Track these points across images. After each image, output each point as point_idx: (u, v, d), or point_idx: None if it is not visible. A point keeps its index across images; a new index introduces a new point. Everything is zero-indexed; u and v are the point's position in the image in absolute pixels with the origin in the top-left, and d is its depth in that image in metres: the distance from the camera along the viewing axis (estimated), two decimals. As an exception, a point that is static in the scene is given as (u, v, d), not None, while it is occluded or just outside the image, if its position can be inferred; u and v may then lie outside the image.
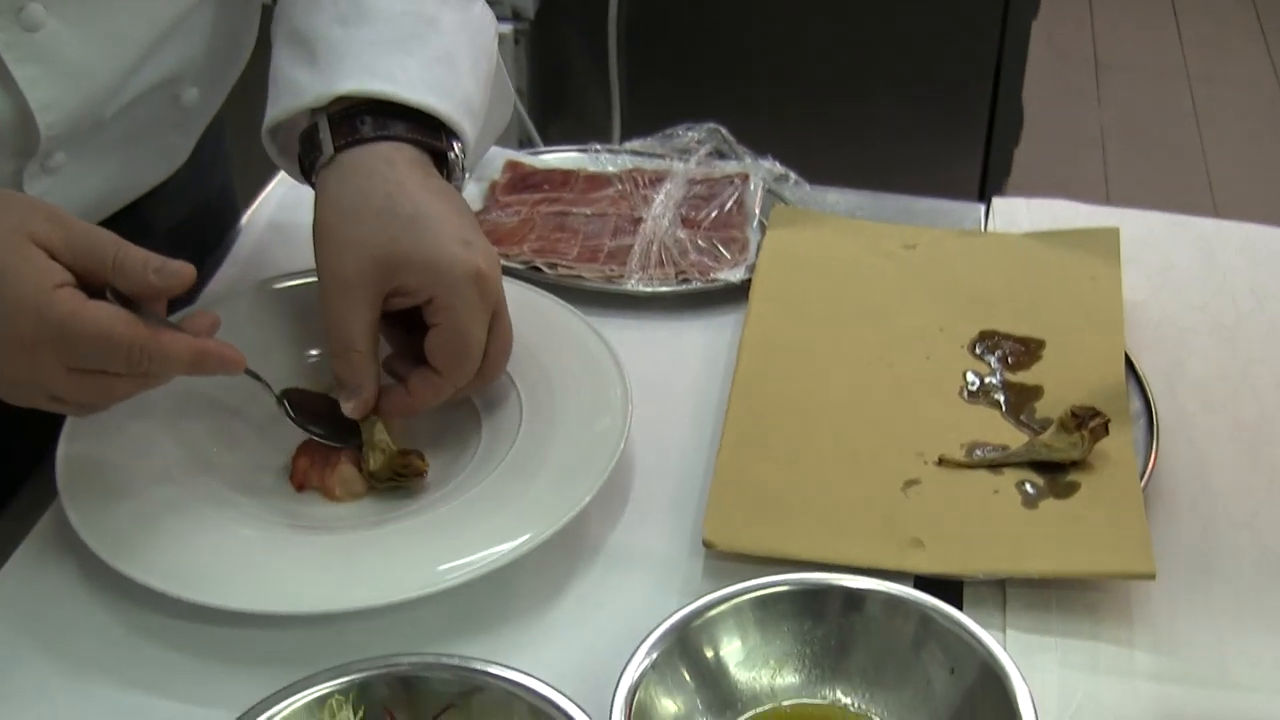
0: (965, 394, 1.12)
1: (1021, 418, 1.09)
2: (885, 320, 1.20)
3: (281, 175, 1.38)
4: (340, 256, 0.98)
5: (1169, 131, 3.89)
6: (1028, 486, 1.03)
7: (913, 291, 1.23)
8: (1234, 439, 1.11)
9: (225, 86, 1.25)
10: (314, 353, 1.11)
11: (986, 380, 1.13)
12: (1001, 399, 1.11)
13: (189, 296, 1.20)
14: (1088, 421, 1.02)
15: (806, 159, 1.42)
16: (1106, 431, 1.02)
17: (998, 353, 1.16)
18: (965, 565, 0.97)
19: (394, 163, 0.99)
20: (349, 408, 1.00)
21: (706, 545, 0.99)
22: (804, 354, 1.16)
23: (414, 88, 1.01)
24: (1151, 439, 1.07)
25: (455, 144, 1.04)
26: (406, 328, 1.02)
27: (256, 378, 0.99)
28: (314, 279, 1.02)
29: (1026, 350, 1.16)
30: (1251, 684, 0.92)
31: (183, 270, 0.88)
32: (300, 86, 1.02)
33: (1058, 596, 0.96)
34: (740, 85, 2.55)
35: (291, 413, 1.02)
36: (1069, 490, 1.02)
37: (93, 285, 0.86)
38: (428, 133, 1.02)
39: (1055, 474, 1.03)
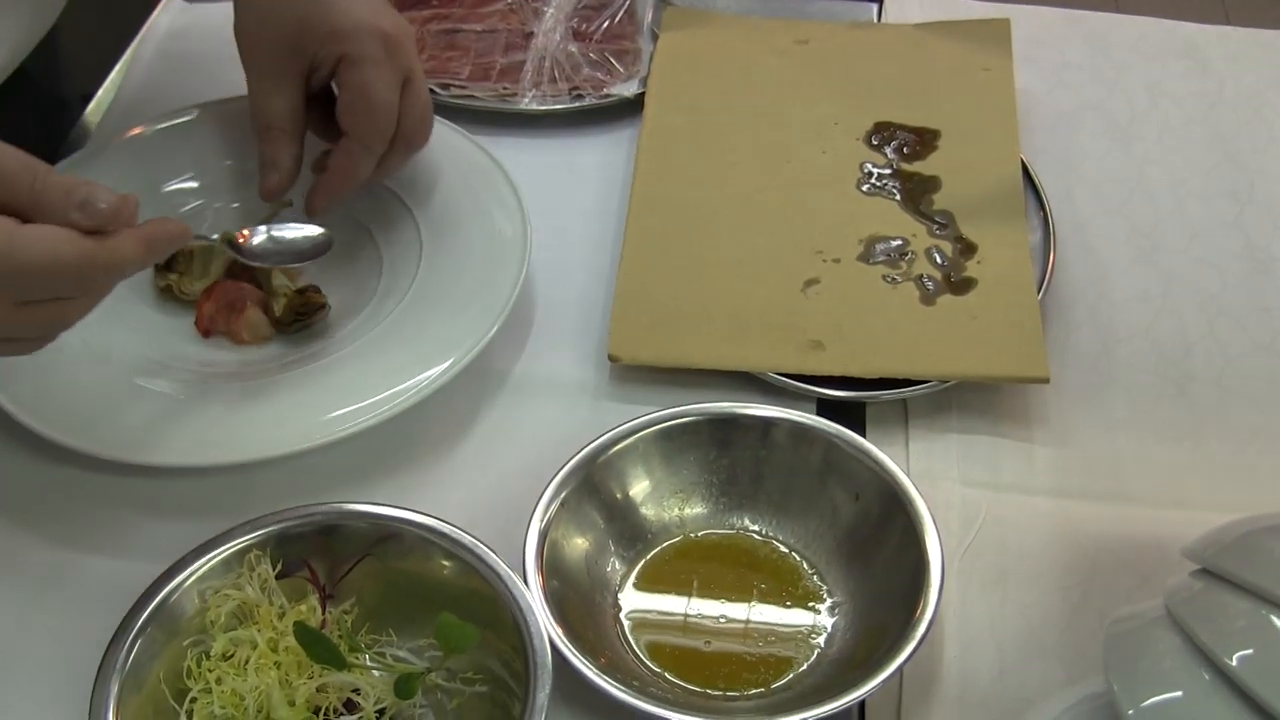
0: (863, 187, 1.12)
1: (920, 208, 1.10)
2: (781, 117, 1.20)
3: (166, 3, 1.34)
4: (258, 44, 0.98)
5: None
6: (926, 282, 1.04)
7: (807, 86, 1.23)
8: (1130, 244, 1.12)
9: None
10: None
11: (883, 171, 1.13)
12: (898, 190, 1.12)
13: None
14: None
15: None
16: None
17: (893, 143, 1.16)
18: (864, 366, 0.98)
19: None
20: (267, 184, 1.00)
21: (612, 359, 1.00)
22: (702, 157, 1.16)
23: None
24: (1048, 245, 1.08)
25: None
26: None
27: (203, 238, 0.96)
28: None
29: (922, 141, 1.16)
30: (1147, 497, 0.94)
31: (118, 204, 0.77)
32: None
33: (959, 414, 0.98)
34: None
35: (240, 256, 0.98)
36: (966, 286, 1.03)
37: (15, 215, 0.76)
38: None
39: (952, 270, 1.05)
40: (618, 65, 1.25)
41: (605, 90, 1.23)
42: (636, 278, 1.05)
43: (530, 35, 1.27)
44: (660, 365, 1.00)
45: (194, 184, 1.09)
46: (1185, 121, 1.23)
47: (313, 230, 0.98)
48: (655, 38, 1.28)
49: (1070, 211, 1.13)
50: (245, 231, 0.97)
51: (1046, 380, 0.97)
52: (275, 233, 0.98)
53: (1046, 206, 1.11)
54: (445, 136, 1.10)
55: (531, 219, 1.04)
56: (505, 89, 1.22)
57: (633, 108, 1.22)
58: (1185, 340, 1.04)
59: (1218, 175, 1.18)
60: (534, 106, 1.22)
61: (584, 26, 1.29)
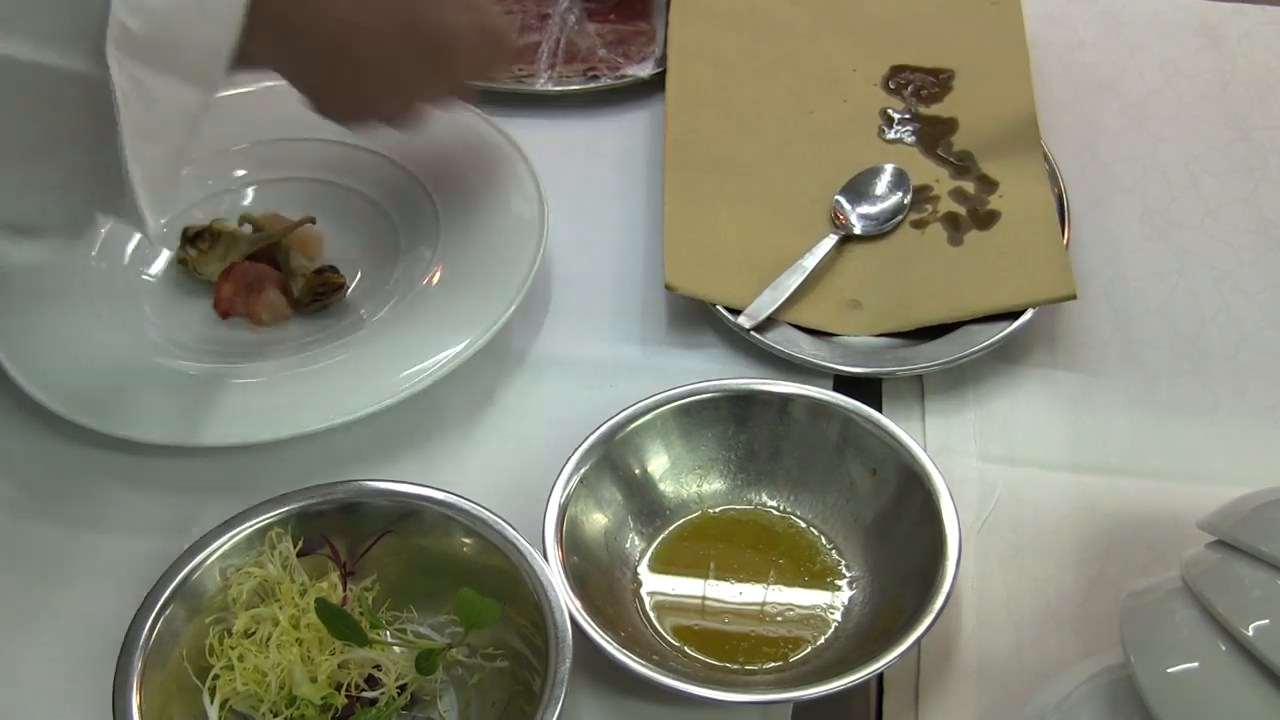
0: (885, 135, 1.14)
1: (939, 151, 1.11)
2: (800, 68, 1.21)
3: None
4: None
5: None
6: (952, 222, 1.06)
7: (823, 35, 1.24)
8: (1145, 222, 1.12)
9: None
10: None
11: (903, 117, 1.15)
12: (918, 135, 1.13)
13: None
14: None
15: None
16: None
17: (910, 87, 1.18)
18: (901, 320, 1.00)
19: None
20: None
21: (669, 288, 1.01)
22: (728, 111, 1.17)
23: None
24: (1063, 223, 1.07)
25: None
26: None
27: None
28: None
29: (937, 82, 1.18)
30: (1163, 472, 0.94)
31: None
32: None
33: (975, 389, 0.98)
34: None
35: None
36: (990, 220, 1.05)
37: None
38: None
39: (977, 205, 1.06)
40: (633, 46, 1.25)
41: (621, 71, 1.23)
42: (681, 221, 1.06)
43: (546, 17, 1.28)
44: (711, 300, 1.01)
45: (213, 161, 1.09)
46: (1199, 99, 1.23)
47: None
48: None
49: (1084, 190, 1.13)
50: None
51: (1074, 297, 0.98)
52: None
53: (1061, 184, 1.10)
54: (462, 118, 1.10)
55: (548, 199, 1.04)
56: (521, 70, 1.23)
57: (648, 88, 1.22)
58: (1200, 316, 1.04)
59: (1231, 152, 1.18)
60: (550, 88, 1.22)
61: (599, 8, 1.29)
